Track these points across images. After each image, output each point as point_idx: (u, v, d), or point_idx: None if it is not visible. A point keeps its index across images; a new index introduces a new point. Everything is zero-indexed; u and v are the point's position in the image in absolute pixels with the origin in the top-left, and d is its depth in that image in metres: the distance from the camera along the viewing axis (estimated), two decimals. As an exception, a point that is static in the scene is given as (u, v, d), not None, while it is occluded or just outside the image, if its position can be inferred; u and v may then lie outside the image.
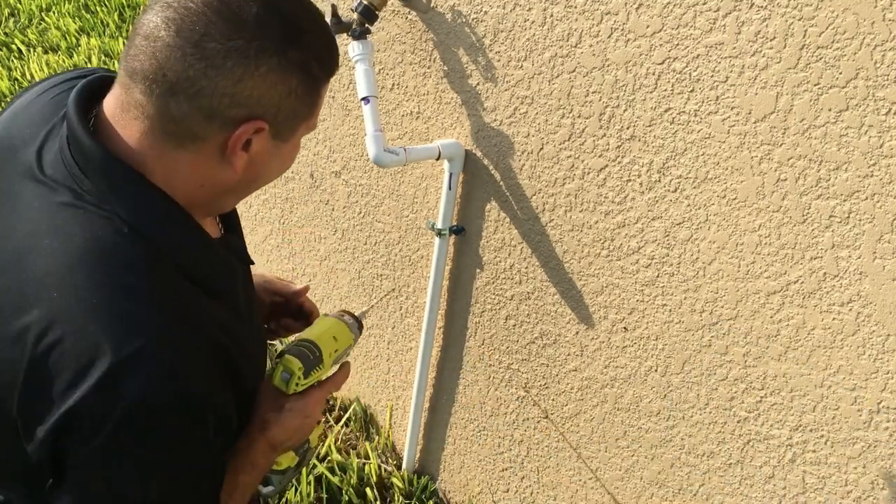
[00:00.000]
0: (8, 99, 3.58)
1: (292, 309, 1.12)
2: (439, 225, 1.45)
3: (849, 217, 0.92)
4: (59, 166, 0.75)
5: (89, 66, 3.82)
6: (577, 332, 1.33)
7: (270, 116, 0.75)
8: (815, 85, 0.90)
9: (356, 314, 1.07)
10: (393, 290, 1.44)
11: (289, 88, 0.75)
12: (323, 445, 1.94)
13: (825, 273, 0.96)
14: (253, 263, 0.92)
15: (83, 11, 4.47)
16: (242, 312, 0.88)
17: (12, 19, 4.40)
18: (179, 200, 0.77)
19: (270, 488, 1.05)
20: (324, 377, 0.98)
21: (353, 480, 1.85)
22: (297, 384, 0.93)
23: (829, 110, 0.89)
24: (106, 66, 3.88)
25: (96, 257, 0.71)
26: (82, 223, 0.72)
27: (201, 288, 0.77)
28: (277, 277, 1.14)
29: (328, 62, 0.80)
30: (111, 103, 0.75)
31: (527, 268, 1.37)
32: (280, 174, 0.87)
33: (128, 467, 0.72)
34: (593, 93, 1.14)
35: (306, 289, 1.12)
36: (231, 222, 0.94)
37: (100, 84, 0.80)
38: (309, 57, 0.76)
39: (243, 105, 0.72)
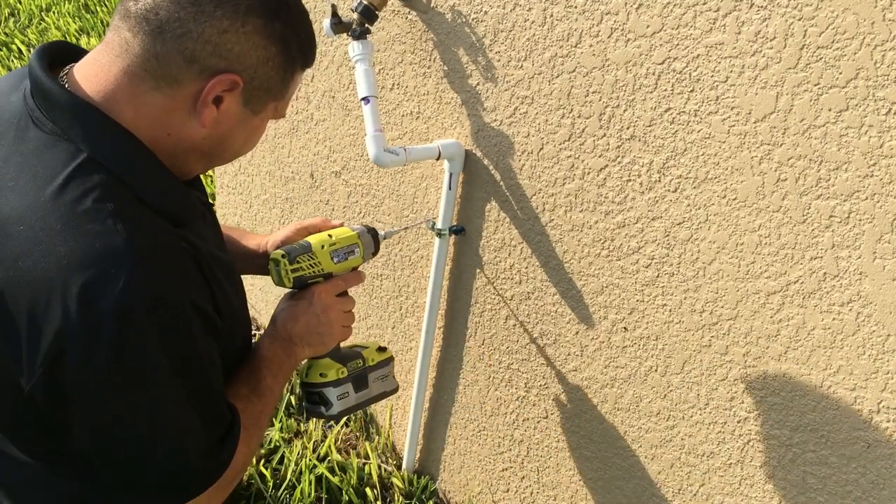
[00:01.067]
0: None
1: None
2: (439, 225, 1.45)
3: (849, 217, 0.92)
4: (21, 112, 0.77)
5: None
6: (577, 332, 1.33)
7: (247, 77, 0.79)
8: (816, 85, 0.90)
9: (374, 227, 1.14)
10: (407, 227, 1.46)
11: (268, 55, 0.80)
12: (323, 445, 1.94)
13: (825, 273, 0.96)
14: (210, 204, 0.96)
15: (83, 11, 4.47)
16: (211, 240, 0.90)
17: (12, 19, 4.40)
18: (144, 138, 0.79)
19: (333, 408, 1.06)
20: (330, 273, 1.03)
21: (353, 480, 1.85)
22: (285, 271, 0.99)
23: (830, 110, 0.89)
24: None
25: (57, 186, 0.72)
26: (42, 154, 0.74)
27: (166, 219, 0.79)
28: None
29: (307, 49, 0.86)
30: (94, 52, 0.79)
31: (527, 268, 1.37)
32: (243, 152, 0.90)
33: (128, 381, 0.73)
34: (593, 93, 1.14)
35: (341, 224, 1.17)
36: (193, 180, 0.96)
37: (60, 47, 0.83)
38: (291, 34, 0.82)
39: (223, 57, 0.77)
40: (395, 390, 1.16)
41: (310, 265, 1.01)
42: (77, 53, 0.84)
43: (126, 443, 0.76)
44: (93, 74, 0.77)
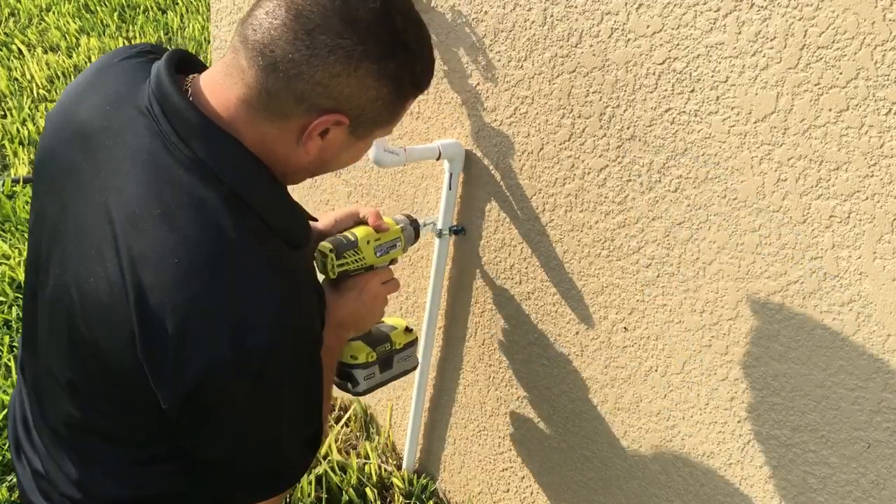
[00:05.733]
0: (8, 99, 3.57)
1: None
2: (439, 225, 1.45)
3: (849, 217, 0.92)
4: (150, 132, 0.78)
5: (89, 65, 3.82)
6: (577, 332, 1.33)
7: (354, 114, 0.80)
8: (816, 85, 0.90)
9: (415, 217, 1.19)
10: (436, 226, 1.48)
11: (378, 95, 0.80)
12: (323, 445, 1.94)
13: (825, 273, 0.96)
14: (316, 221, 1.01)
15: (83, 11, 4.47)
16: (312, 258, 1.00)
17: (12, 19, 4.40)
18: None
19: (359, 386, 1.15)
20: (371, 265, 1.08)
21: (353, 480, 1.85)
22: (332, 265, 1.03)
23: (830, 110, 0.89)
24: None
25: (210, 224, 0.75)
26: (187, 187, 0.76)
27: (288, 244, 0.84)
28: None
29: (421, 81, 0.86)
30: (216, 69, 0.80)
31: (527, 268, 1.37)
32: (348, 165, 0.93)
33: (267, 406, 0.79)
34: (593, 93, 1.14)
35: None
36: None
37: (181, 56, 0.84)
38: (405, 72, 0.81)
39: (333, 98, 0.77)
40: (416, 367, 1.26)
41: (354, 260, 1.06)
42: (194, 64, 0.86)
43: (247, 452, 0.83)
44: (218, 96, 0.79)
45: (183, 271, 0.73)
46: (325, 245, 1.04)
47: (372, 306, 1.09)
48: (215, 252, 0.74)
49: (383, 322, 1.21)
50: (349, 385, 1.14)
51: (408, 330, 1.21)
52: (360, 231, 1.08)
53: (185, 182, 0.76)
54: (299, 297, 0.81)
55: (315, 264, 1.05)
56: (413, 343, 1.22)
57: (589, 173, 1.19)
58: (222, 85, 0.78)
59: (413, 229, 1.16)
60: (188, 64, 0.84)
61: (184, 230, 0.74)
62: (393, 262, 1.14)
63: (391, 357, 1.17)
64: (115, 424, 0.85)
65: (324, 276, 1.06)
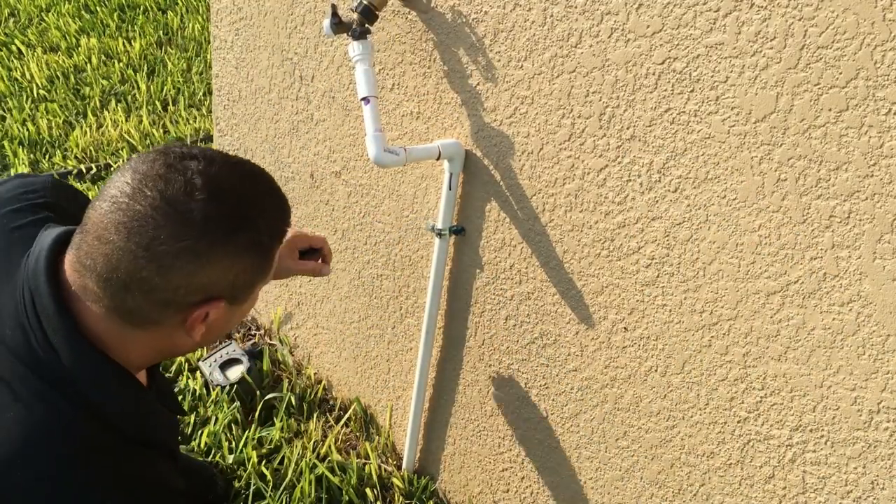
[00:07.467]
0: (8, 99, 3.57)
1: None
2: (439, 225, 1.45)
3: (849, 217, 0.92)
4: (17, 333, 0.76)
5: (89, 66, 3.82)
6: (577, 332, 1.33)
7: (227, 293, 0.79)
8: (815, 85, 0.90)
9: None
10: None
11: (243, 266, 0.78)
12: (323, 445, 1.94)
13: (825, 273, 0.96)
14: (185, 414, 1.03)
15: (83, 11, 4.47)
16: (173, 449, 0.95)
17: (12, 19, 4.40)
18: (133, 365, 0.81)
19: None
20: None
21: (353, 480, 1.85)
22: None
23: (829, 110, 0.89)
24: (105, 64, 3.87)
25: (50, 443, 0.74)
26: (35, 404, 0.75)
27: (143, 445, 0.83)
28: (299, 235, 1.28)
29: (278, 227, 0.84)
30: (73, 279, 0.77)
31: (527, 268, 1.37)
32: (242, 320, 0.92)
33: None
34: (593, 93, 1.13)
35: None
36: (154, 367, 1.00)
37: (63, 239, 0.81)
38: (257, 235, 0.79)
39: (198, 291, 0.75)
40: None
41: None
42: (66, 239, 0.82)
43: None
44: (80, 309, 0.77)
45: (22, 479, 0.72)
46: None
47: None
48: (56, 470, 0.73)
49: None
50: None
51: None
52: None
53: (39, 397, 0.75)
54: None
55: None
56: None
57: (589, 173, 1.19)
58: (82, 299, 0.76)
59: None
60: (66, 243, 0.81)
61: (23, 441, 0.73)
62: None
63: None
64: None
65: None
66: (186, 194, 0.72)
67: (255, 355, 2.16)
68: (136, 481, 0.81)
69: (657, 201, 1.11)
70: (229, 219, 0.75)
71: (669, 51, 1.02)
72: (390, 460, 1.95)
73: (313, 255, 1.29)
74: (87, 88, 3.67)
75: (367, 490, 1.83)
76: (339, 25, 1.31)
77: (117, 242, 0.71)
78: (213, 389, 2.04)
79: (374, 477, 1.86)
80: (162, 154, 0.75)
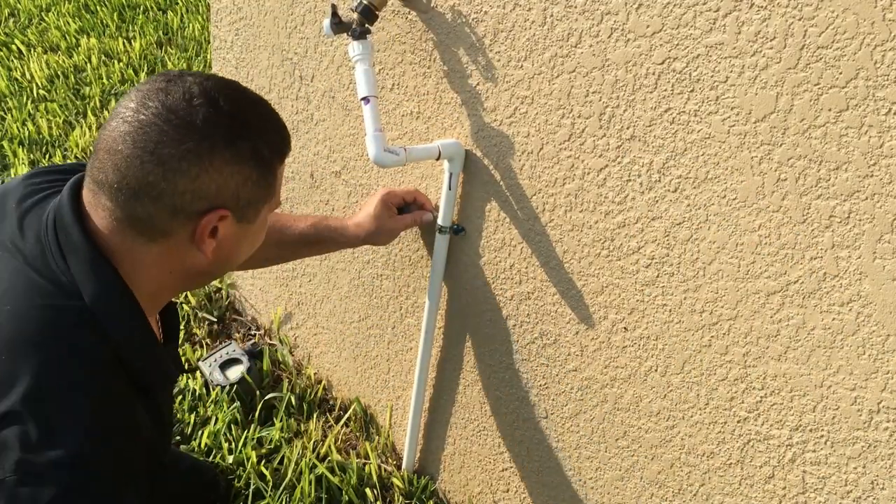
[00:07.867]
0: (8, 99, 3.57)
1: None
2: (439, 223, 1.45)
3: (849, 217, 0.92)
4: (36, 245, 0.83)
5: (89, 66, 3.82)
6: (577, 332, 1.33)
7: (232, 204, 0.83)
8: (815, 85, 0.90)
9: None
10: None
11: (245, 176, 0.83)
12: (323, 445, 1.94)
13: (825, 273, 0.96)
14: (186, 371, 1.03)
15: (83, 11, 4.47)
16: (162, 409, 0.97)
17: (12, 19, 4.40)
18: (144, 290, 0.85)
19: None
20: None
21: (353, 480, 1.85)
22: None
23: (829, 110, 0.89)
24: (105, 64, 3.87)
25: (51, 341, 0.77)
26: (43, 300, 0.79)
27: (135, 384, 0.85)
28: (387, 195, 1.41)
29: (278, 144, 0.88)
30: (87, 200, 0.83)
31: (527, 268, 1.37)
32: (252, 250, 0.96)
33: None
34: (593, 93, 1.14)
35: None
36: (172, 331, 1.03)
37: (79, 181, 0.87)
38: (259, 144, 0.84)
39: (204, 198, 0.80)
40: None
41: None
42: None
43: None
44: (94, 226, 0.82)
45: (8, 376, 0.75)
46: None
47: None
48: (48, 368, 0.76)
49: None
50: None
51: None
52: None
53: (46, 290, 0.79)
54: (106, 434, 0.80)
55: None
56: None
57: (589, 173, 1.19)
58: (95, 217, 0.81)
59: None
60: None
61: (25, 339, 0.77)
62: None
63: None
64: None
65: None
66: (186, 101, 0.78)
67: (254, 355, 2.16)
68: (113, 402, 0.82)
69: (657, 201, 1.11)
70: (229, 126, 0.80)
71: (669, 51, 1.02)
72: (390, 460, 1.95)
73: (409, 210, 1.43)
74: (87, 88, 3.67)
75: (367, 490, 1.83)
76: (339, 25, 1.31)
77: (125, 151, 0.76)
78: (213, 389, 2.04)
79: (374, 477, 1.86)
80: (162, 74, 0.81)
